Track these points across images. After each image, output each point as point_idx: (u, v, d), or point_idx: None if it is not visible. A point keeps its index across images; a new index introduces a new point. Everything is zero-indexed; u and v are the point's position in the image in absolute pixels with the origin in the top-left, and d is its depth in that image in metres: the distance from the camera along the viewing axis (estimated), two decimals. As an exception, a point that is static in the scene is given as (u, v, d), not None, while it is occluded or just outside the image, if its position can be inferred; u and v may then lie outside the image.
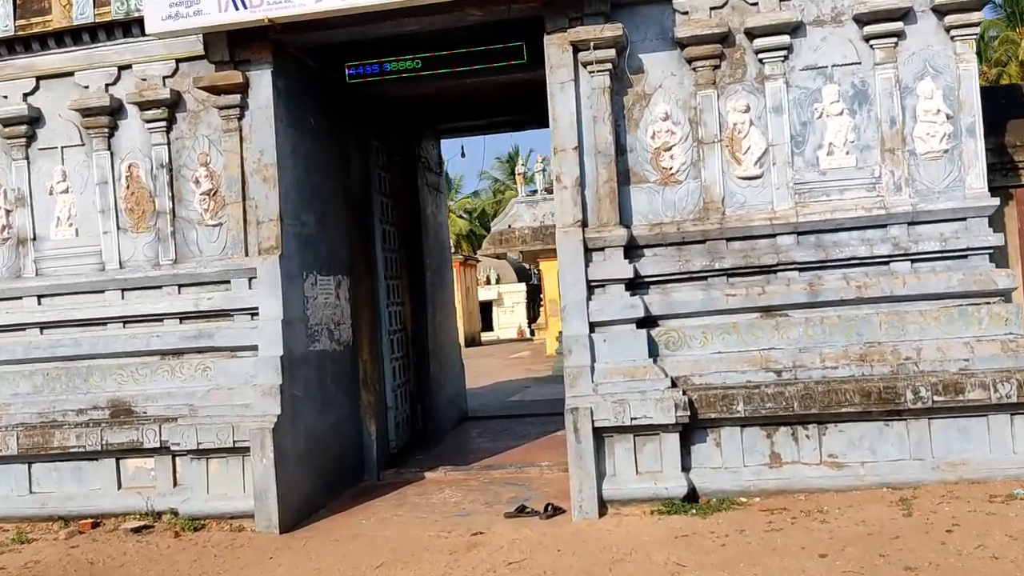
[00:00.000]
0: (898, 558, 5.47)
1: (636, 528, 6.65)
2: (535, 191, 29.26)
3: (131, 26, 8.25)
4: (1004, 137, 8.32)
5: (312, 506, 7.90)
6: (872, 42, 7.40)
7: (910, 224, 7.34)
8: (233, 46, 7.77)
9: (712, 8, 7.56)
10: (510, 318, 41.61)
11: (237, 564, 6.66)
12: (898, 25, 7.33)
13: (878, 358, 7.14)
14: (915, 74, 7.39)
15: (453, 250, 27.23)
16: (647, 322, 7.49)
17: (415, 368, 10.97)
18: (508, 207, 27.62)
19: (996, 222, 7.52)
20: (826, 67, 7.48)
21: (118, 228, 8.50)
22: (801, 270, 7.43)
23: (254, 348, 7.82)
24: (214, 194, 8.24)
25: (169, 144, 8.40)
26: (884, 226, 7.37)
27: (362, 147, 9.81)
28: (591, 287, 7.50)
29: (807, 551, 5.75)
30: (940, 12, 7.30)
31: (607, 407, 7.04)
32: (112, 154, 8.53)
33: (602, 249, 7.52)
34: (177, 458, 7.97)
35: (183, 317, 8.28)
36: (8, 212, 8.71)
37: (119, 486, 8.14)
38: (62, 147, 8.66)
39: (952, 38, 7.33)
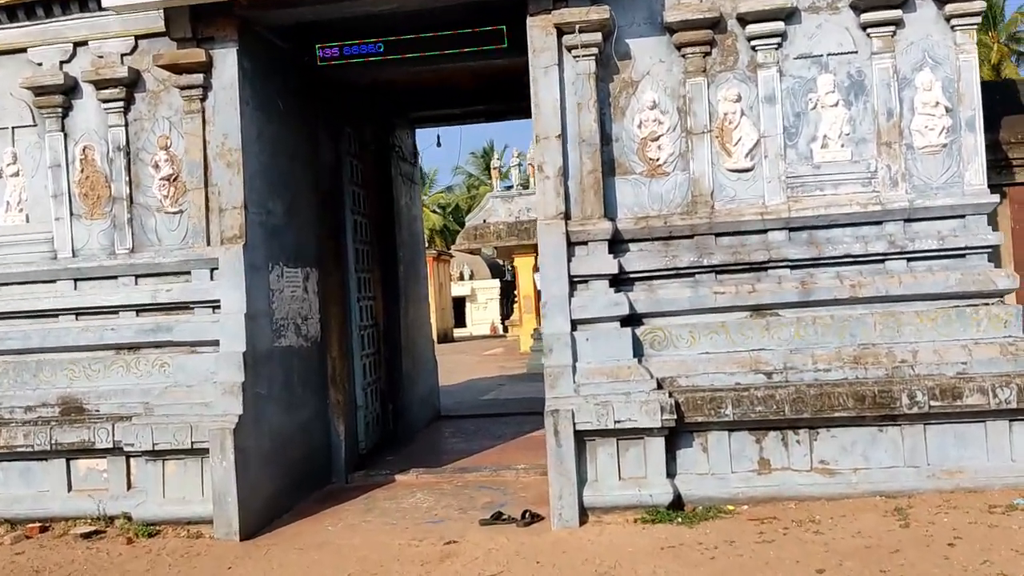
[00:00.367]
0: (900, 573, 5.15)
1: (619, 538, 6.29)
2: (510, 186, 28.93)
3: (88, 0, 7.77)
4: (999, 134, 8.07)
5: (275, 511, 7.47)
6: (869, 31, 7.08)
7: (906, 221, 7.03)
8: (196, 22, 7.30)
9: (703, -9, 7.22)
10: (483, 314, 41.28)
11: (193, 575, 6.22)
12: (896, 13, 7.01)
13: (872, 360, 6.83)
14: (913, 65, 7.08)
15: (426, 245, 26.83)
16: (632, 320, 7.14)
17: (386, 365, 10.55)
18: (483, 202, 27.25)
19: (989, 221, 7.23)
20: (821, 56, 7.16)
21: (71, 214, 8.00)
22: (793, 267, 7.11)
23: (215, 343, 7.36)
24: (174, 180, 7.77)
25: (127, 126, 7.90)
26: (880, 223, 7.06)
27: (333, 134, 9.37)
28: (573, 283, 7.13)
29: (802, 565, 5.41)
30: (940, 0, 7.00)
31: (589, 409, 6.67)
32: (66, 136, 8.02)
33: (585, 243, 7.15)
34: (131, 459, 7.49)
35: (140, 309, 7.80)
36: (-47, 196, 8.18)
37: (69, 488, 7.64)
38: (13, 127, 8.14)
39: (952, 28, 7.02)
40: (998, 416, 6.60)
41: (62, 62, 7.98)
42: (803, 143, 7.17)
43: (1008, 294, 7.00)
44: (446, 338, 34.15)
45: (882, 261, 7.04)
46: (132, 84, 7.84)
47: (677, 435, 6.82)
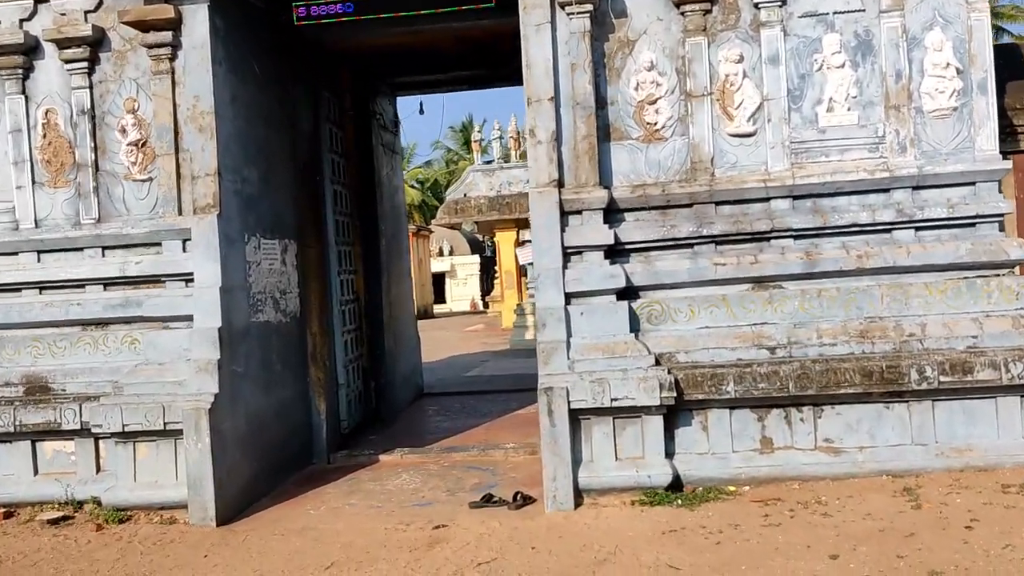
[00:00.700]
0: (919, 559, 4.87)
1: (617, 521, 5.99)
2: (491, 160, 28.50)
3: (49, -48, 7.28)
4: (1003, 99, 7.75)
5: (254, 494, 7.11)
6: (878, -13, 6.74)
7: (915, 188, 6.73)
8: (164, -25, 6.85)
9: (704, -55, 6.83)
10: (463, 290, 40.98)
11: (166, 564, 5.85)
12: (906, -31, 6.68)
13: (880, 334, 6.54)
14: (923, 24, 6.74)
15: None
16: (628, 293, 6.80)
17: (368, 342, 10.17)
18: (464, 175, 26.79)
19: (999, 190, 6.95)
20: (827, 14, 6.80)
21: (33, 182, 7.53)
22: (797, 237, 6.79)
23: (188, 319, 6.96)
24: (143, 145, 7.31)
25: (91, 88, 7.42)
26: (887, 190, 6.74)
27: (312, 100, 8.94)
28: (567, 254, 6.78)
29: (814, 551, 5.12)
30: (951, -45, 6.67)
31: (584, 387, 6.34)
32: (27, 99, 7.52)
33: (580, 212, 6.79)
34: (101, 441, 7.10)
35: (108, 283, 7.36)
36: (-93, 163, 7.68)
37: (35, 472, 7.24)
38: (-31, 90, 7.66)
39: (964, -15, 6.70)
40: (1009, 391, 6.34)
41: (22, 20, 7.47)
42: (808, 106, 6.83)
43: (1019, 264, 6.72)
44: (426, 314, 33.80)
45: (889, 230, 6.74)
46: (96, 43, 7.36)
47: (676, 413, 6.52)
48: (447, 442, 8.99)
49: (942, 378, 6.27)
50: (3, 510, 7.06)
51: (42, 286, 7.48)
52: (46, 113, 7.55)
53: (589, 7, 6.69)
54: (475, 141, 29.55)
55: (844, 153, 6.80)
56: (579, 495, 6.40)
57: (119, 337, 7.28)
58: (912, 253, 6.63)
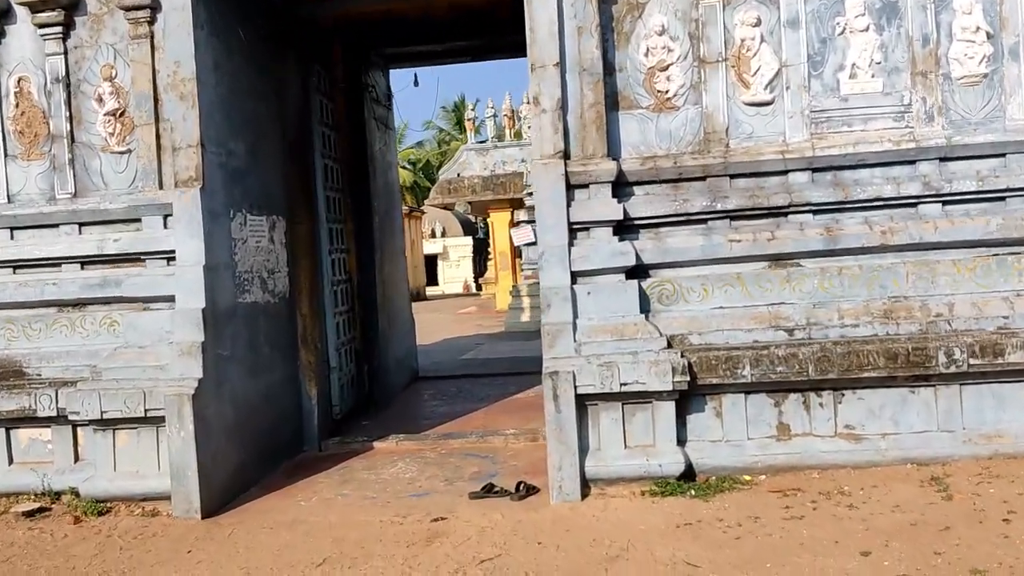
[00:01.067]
0: (957, 556, 4.52)
1: (628, 513, 5.63)
2: (484, 140, 28.06)
3: (18, -92, 6.82)
4: None
5: (241, 484, 6.73)
6: (904, -55, 6.33)
7: (942, 160, 6.33)
8: (141, -69, 6.40)
9: (719, -101, 6.40)
10: (456, 272, 40.60)
11: (146, 560, 5.48)
12: (934, -75, 6.27)
13: (905, 314, 6.18)
14: (952, -15, 6.35)
15: (398, 200, 25.92)
16: (638, 272, 6.41)
17: (361, 323, 9.77)
18: (457, 155, 26.38)
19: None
20: (850, -26, 6.40)
21: (6, 155, 7.10)
22: (816, 212, 6.39)
23: (171, 299, 6.55)
24: (121, 115, 6.88)
25: (66, 54, 6.97)
26: (913, 162, 6.34)
27: (302, 71, 8.49)
28: (573, 230, 6.38)
29: (843, 546, 4.76)
30: (983, -89, 6.26)
31: (592, 371, 5.97)
32: (-1, 66, 7.11)
33: (586, 186, 6.39)
34: (79, 428, 6.71)
35: (85, 262, 6.95)
36: None
37: (10, 461, 6.85)
38: (-63, 57, 7.20)
39: (996, -58, 6.29)
40: (1041, 375, 6.00)
41: (-9, -18, 7.04)
42: (829, 73, 6.43)
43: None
44: (418, 296, 33.40)
45: (915, 205, 6.35)
46: (72, 6, 6.90)
47: (688, 399, 6.15)
48: (444, 428, 8.63)
49: (971, 361, 5.91)
50: (-24, 502, 6.69)
51: (16, 265, 7.06)
52: (18, 81, 7.12)
53: (596, -34, 6.28)
54: (468, 120, 29.12)
55: (867, 123, 6.40)
56: (586, 485, 6.04)
57: (97, 319, 6.88)
58: (939, 229, 6.25)
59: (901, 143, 6.33)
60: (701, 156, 6.47)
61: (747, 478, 6.07)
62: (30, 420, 6.74)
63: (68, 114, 6.98)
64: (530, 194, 20.91)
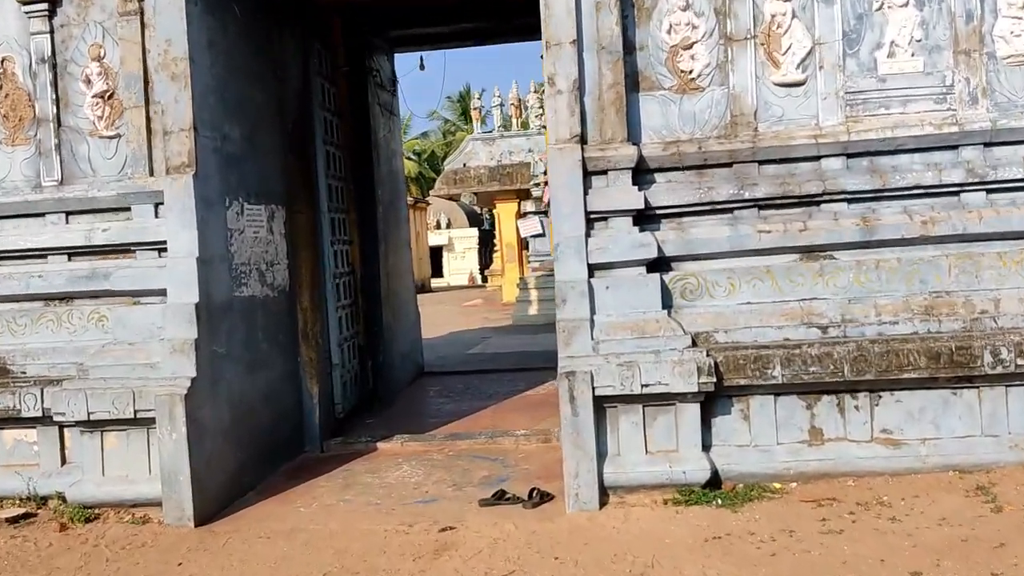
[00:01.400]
0: (1017, 578, 4.13)
1: (650, 525, 5.24)
2: (491, 130, 27.68)
3: None
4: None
5: (238, 488, 6.36)
6: (945, -86, 5.90)
7: (987, 145, 5.91)
8: (130, -100, 6.00)
9: None
10: (461, 264, 40.28)
11: (134, 573, 5.11)
12: None
13: (947, 311, 5.77)
14: (997, -43, 5.92)
15: (403, 190, 25.57)
16: (659, 265, 6.01)
17: (365, 318, 9.38)
18: (463, 144, 25.99)
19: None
20: (888, -54, 5.97)
21: (-11, 140, 6.74)
22: (851, 201, 5.97)
23: (162, 293, 6.17)
24: (109, 97, 6.49)
25: (52, 33, 6.59)
26: (956, 147, 5.93)
27: (302, 53, 8.08)
28: (590, 220, 5.98)
29: (890, 566, 4.36)
30: None
31: (611, 371, 5.57)
32: (-20, 46, 6.72)
33: (605, 172, 5.99)
34: (66, 430, 6.34)
35: (72, 253, 6.58)
36: None
37: (-5, 463, 6.52)
38: (-84, 35, 6.81)
39: (1045, -89, 5.86)
40: (1094, 376, 5.58)
41: (-28, -43, 6.65)
42: (865, 51, 6.00)
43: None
44: (423, 288, 33.08)
45: (958, 193, 5.93)
46: (57, -17, 6.53)
47: (713, 401, 5.75)
48: (451, 427, 8.24)
49: (1019, 361, 5.50)
50: (-42, 506, 6.33)
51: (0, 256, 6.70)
52: (2, 62, 6.76)
53: (616, -63, 5.86)
54: (474, 109, 28.70)
55: (906, 105, 5.98)
56: (604, 493, 5.64)
57: (85, 313, 6.51)
58: (984, 219, 5.83)
59: (943, 127, 5.91)
60: (728, 141, 6.06)
61: (777, 486, 5.67)
62: (15, 420, 6.39)
63: (54, 96, 6.61)
64: (537, 184, 20.53)
